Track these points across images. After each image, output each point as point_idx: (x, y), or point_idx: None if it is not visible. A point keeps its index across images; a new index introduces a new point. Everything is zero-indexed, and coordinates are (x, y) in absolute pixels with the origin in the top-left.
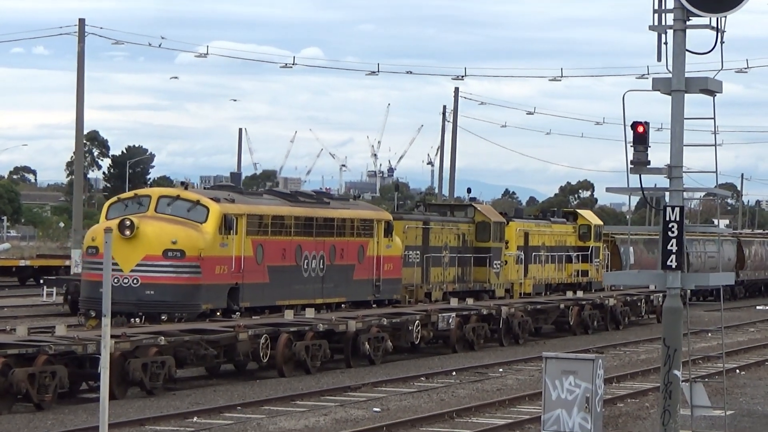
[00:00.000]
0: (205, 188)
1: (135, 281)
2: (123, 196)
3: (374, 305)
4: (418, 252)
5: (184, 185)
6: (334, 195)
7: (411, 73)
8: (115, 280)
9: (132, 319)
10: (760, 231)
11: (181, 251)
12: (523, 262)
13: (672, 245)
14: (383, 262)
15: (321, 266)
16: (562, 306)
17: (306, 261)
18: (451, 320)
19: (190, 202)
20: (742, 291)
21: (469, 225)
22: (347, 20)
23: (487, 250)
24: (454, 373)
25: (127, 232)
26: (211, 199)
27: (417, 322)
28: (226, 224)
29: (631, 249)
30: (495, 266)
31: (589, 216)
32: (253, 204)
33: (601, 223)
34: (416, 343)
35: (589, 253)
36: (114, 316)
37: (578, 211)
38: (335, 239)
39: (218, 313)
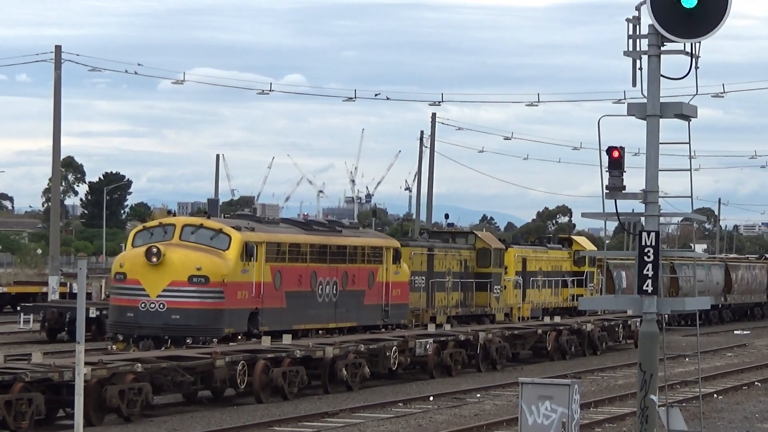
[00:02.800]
0: (225, 217)
1: (162, 306)
2: (148, 224)
3: (383, 330)
4: (423, 277)
5: (207, 215)
6: (345, 223)
7: (388, 98)
8: (143, 305)
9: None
10: (736, 256)
11: (205, 277)
12: (522, 286)
13: (648, 270)
14: (391, 287)
15: (334, 292)
16: (539, 331)
17: (320, 287)
18: (428, 346)
19: (213, 231)
20: (729, 315)
21: (471, 251)
22: (330, 47)
23: (487, 275)
24: (431, 398)
25: (154, 259)
26: (233, 227)
27: (394, 348)
28: (247, 251)
29: (624, 273)
30: (495, 291)
31: (584, 242)
32: (272, 232)
33: (595, 248)
34: (394, 369)
35: (583, 278)
36: (142, 340)
37: (573, 237)
38: (347, 266)
39: (239, 337)
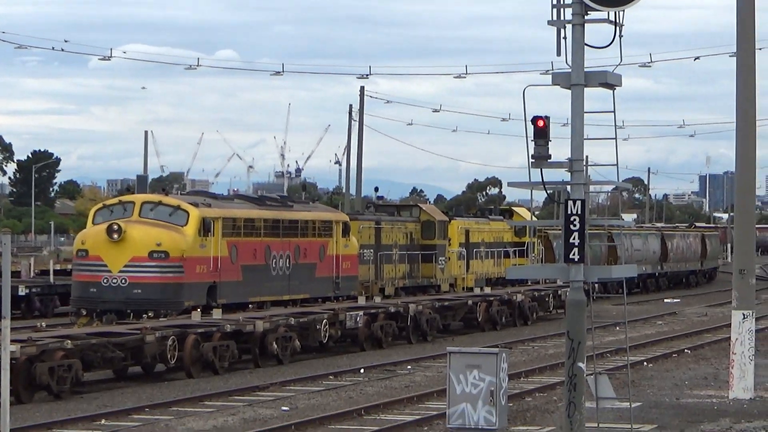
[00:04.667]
0: (181, 194)
1: (123, 281)
2: (108, 202)
3: (335, 301)
4: (371, 250)
5: (165, 192)
6: (296, 198)
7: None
8: (105, 281)
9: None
10: (663, 225)
11: (165, 252)
12: (465, 258)
13: (574, 238)
14: (342, 260)
15: (287, 265)
16: (470, 302)
17: (274, 260)
18: (358, 319)
19: (171, 207)
20: (665, 282)
21: (416, 224)
22: (263, 21)
23: (432, 247)
24: (362, 371)
25: (115, 236)
26: (191, 204)
27: (324, 321)
28: (205, 227)
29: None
30: (440, 262)
31: (524, 213)
32: (227, 208)
33: (536, 219)
34: (324, 342)
35: (525, 248)
36: (105, 314)
37: (514, 208)
38: (299, 240)
39: (198, 310)
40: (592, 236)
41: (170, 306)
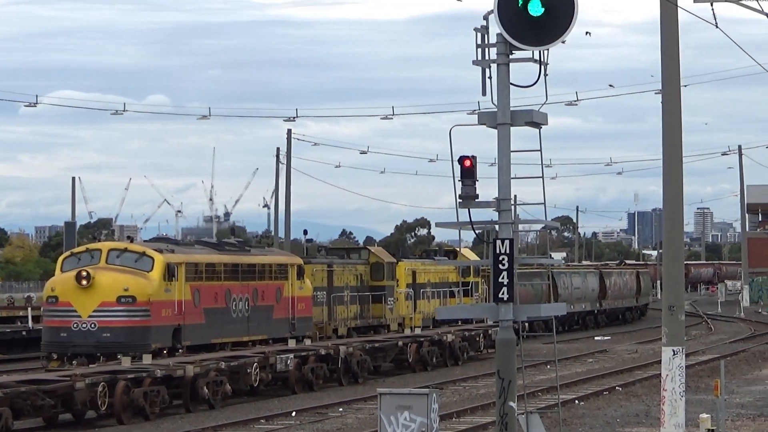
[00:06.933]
0: (144, 242)
1: (93, 325)
2: (75, 250)
3: (291, 341)
4: (324, 292)
5: (130, 239)
6: (252, 243)
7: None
8: (75, 325)
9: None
10: (588, 263)
11: (132, 297)
12: (413, 298)
13: (503, 278)
14: (297, 302)
15: (246, 307)
16: (400, 343)
17: (234, 303)
18: (289, 361)
19: (136, 254)
20: (604, 319)
21: (365, 266)
22: (193, 66)
23: (381, 288)
24: (293, 414)
25: (84, 282)
26: (155, 250)
27: (255, 364)
28: (169, 272)
29: None
30: (389, 303)
31: (468, 254)
32: (190, 253)
33: (479, 259)
34: (255, 385)
35: (469, 288)
36: (75, 358)
37: (458, 249)
38: (257, 283)
39: (164, 352)
40: (533, 275)
41: (138, 348)
